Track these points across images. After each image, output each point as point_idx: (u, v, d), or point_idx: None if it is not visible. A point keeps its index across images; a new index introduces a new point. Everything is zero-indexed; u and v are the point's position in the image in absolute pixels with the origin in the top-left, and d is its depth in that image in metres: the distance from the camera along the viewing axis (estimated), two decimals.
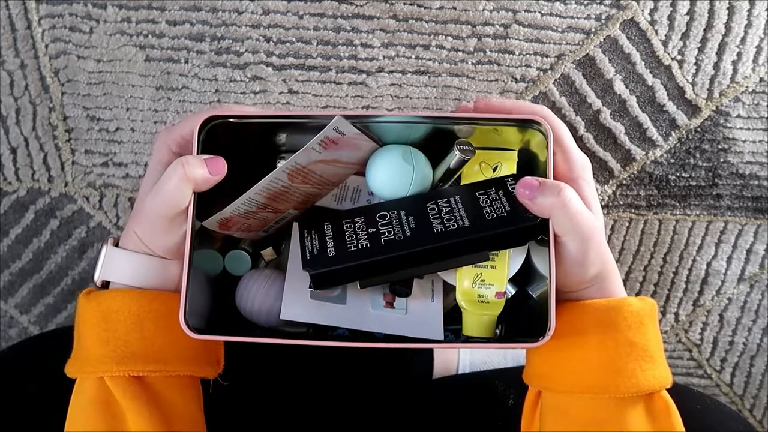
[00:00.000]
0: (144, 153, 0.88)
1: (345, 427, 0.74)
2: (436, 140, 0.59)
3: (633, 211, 0.89)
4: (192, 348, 0.56)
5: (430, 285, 0.63)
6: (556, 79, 0.86)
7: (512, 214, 0.54)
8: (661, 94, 0.86)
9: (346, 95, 0.87)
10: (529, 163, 0.60)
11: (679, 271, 0.90)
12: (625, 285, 0.90)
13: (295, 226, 0.63)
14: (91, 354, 0.54)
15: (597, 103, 0.86)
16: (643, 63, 0.85)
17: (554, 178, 0.55)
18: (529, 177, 0.53)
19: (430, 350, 0.82)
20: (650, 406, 0.54)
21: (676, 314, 0.92)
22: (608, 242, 0.89)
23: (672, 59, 0.85)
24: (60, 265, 0.91)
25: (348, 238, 0.56)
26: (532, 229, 0.54)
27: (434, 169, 0.60)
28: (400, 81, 0.86)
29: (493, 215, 0.55)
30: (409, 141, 0.60)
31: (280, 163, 0.61)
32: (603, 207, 0.89)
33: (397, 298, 0.61)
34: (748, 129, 0.87)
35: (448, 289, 0.63)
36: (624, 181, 0.88)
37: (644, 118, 0.86)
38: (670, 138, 0.87)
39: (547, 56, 0.85)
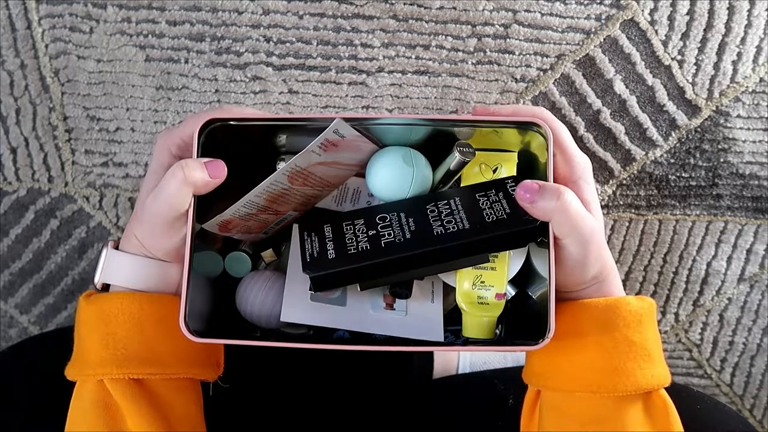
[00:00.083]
0: (144, 153, 0.88)
1: (345, 427, 0.74)
2: (436, 142, 0.59)
3: (633, 211, 0.89)
4: (192, 351, 0.56)
5: (430, 286, 0.63)
6: (556, 79, 0.86)
7: (512, 217, 0.54)
8: (661, 94, 0.86)
9: (346, 95, 0.87)
10: (530, 165, 0.60)
11: (679, 271, 0.90)
12: (625, 285, 0.90)
13: (295, 228, 0.63)
14: (91, 357, 0.54)
15: (597, 103, 0.86)
16: (643, 63, 0.85)
17: (555, 180, 0.55)
18: (528, 180, 0.53)
19: (430, 351, 0.82)
20: (648, 405, 0.54)
21: (676, 314, 0.92)
22: (608, 242, 0.89)
23: (672, 59, 0.85)
24: (60, 265, 0.91)
25: (348, 240, 0.56)
26: (531, 232, 0.54)
27: (434, 171, 0.60)
28: (400, 81, 0.86)
29: (493, 217, 0.55)
30: (409, 142, 0.59)
31: (280, 165, 0.61)
32: (603, 207, 0.89)
33: (397, 299, 0.61)
34: (748, 129, 0.87)
35: (448, 290, 0.63)
36: (624, 181, 0.88)
37: (644, 118, 0.86)
38: (670, 138, 0.87)
39: (547, 56, 0.85)
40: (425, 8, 0.84)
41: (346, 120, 0.53)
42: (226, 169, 0.54)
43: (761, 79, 0.86)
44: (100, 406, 0.54)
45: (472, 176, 0.61)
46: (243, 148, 0.59)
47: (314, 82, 0.86)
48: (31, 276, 0.91)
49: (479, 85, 0.86)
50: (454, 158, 0.58)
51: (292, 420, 0.73)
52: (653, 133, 0.87)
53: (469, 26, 0.85)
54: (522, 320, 0.63)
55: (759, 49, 0.85)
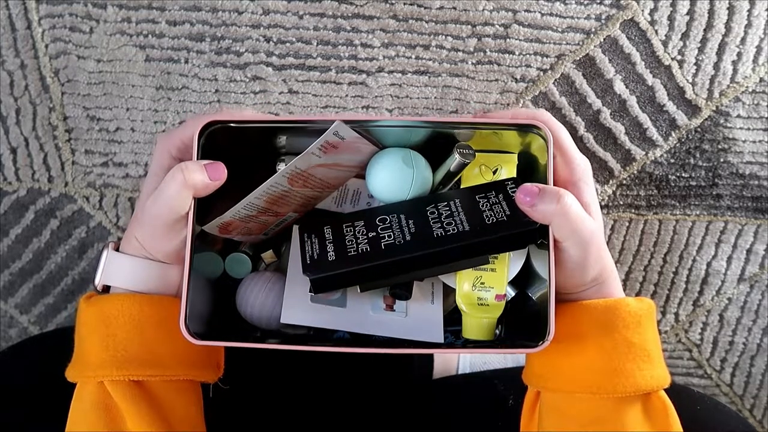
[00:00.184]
0: (144, 153, 0.88)
1: (345, 428, 0.74)
2: (436, 143, 0.59)
3: (633, 211, 0.89)
4: (192, 352, 0.56)
5: (430, 288, 0.63)
6: (556, 79, 0.86)
7: (512, 218, 0.54)
8: (661, 94, 0.86)
9: (346, 95, 0.87)
10: (530, 166, 0.60)
11: (679, 271, 0.90)
12: (625, 285, 0.90)
13: (296, 229, 0.63)
14: (92, 358, 0.54)
15: (597, 103, 0.86)
16: (643, 63, 0.85)
17: (555, 182, 0.55)
18: (528, 184, 0.53)
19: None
20: (648, 406, 0.55)
21: (676, 314, 0.92)
22: (608, 242, 0.89)
23: (672, 59, 0.85)
24: (60, 265, 0.91)
25: (348, 242, 0.56)
26: (531, 233, 0.54)
27: (434, 173, 0.60)
28: (400, 81, 0.86)
29: (492, 219, 0.55)
30: (409, 144, 0.60)
31: (280, 167, 0.61)
32: (603, 207, 0.89)
33: (397, 300, 0.61)
34: (748, 129, 0.87)
35: (448, 292, 0.63)
36: (624, 181, 0.88)
37: (644, 118, 0.86)
38: (670, 138, 0.87)
39: (547, 56, 0.85)
40: (425, 8, 0.84)
41: (346, 122, 0.53)
42: (226, 171, 0.54)
43: (761, 79, 0.86)
44: (100, 408, 0.54)
45: (472, 178, 0.61)
46: (243, 150, 0.59)
47: (314, 82, 0.86)
48: (31, 276, 0.91)
49: (479, 85, 0.86)
50: (454, 160, 0.58)
51: (293, 421, 0.73)
52: (653, 133, 0.87)
53: (469, 26, 0.85)
54: (522, 321, 0.63)
55: (759, 49, 0.85)
